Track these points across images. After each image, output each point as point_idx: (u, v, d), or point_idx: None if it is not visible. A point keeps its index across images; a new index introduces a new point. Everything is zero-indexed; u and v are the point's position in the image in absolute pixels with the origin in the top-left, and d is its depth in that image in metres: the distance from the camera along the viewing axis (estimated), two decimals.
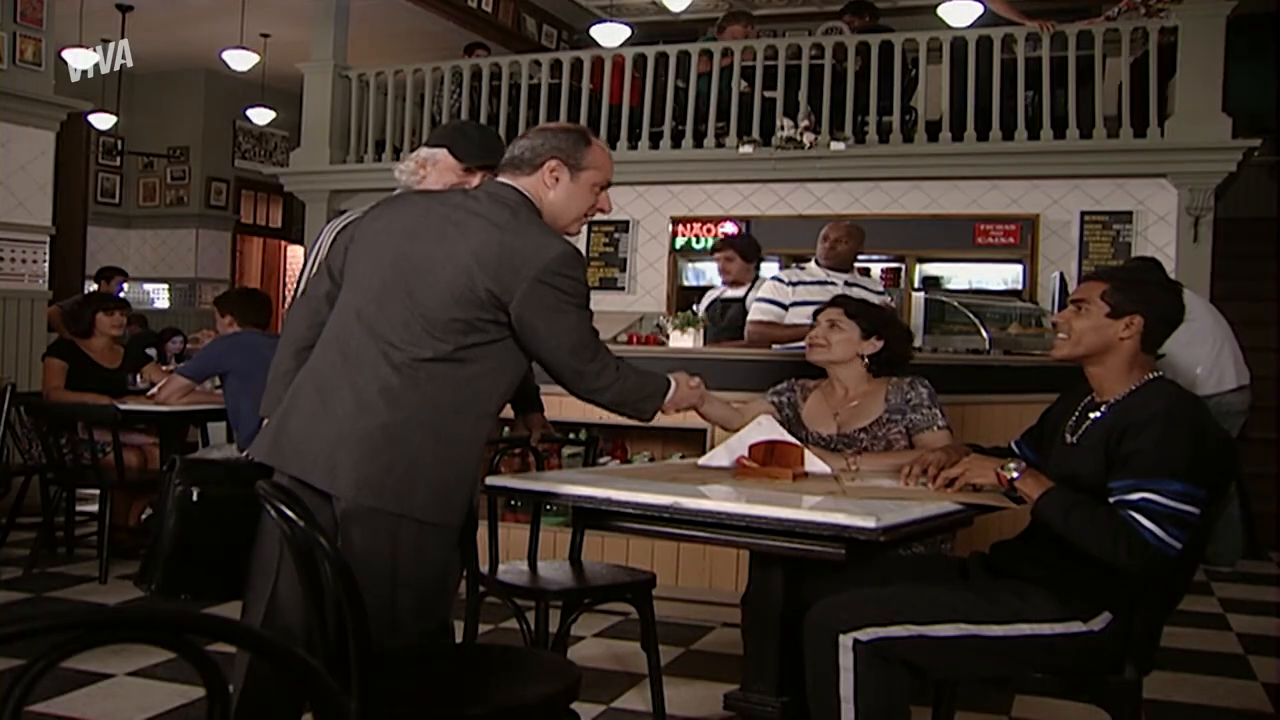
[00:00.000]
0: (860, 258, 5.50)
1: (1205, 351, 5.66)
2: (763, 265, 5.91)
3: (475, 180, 3.03)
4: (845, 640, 2.18)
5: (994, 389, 4.54)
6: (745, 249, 5.72)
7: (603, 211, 2.45)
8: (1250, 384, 5.81)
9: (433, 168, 3.02)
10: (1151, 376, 2.41)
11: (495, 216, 2.25)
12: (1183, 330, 5.64)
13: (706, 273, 8.63)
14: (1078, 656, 2.30)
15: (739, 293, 5.62)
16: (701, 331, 4.86)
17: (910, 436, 3.13)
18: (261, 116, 11.32)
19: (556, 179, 2.35)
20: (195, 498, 2.14)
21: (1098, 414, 2.41)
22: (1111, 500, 2.23)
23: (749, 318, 5.36)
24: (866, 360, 3.22)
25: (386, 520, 2.14)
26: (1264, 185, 9.57)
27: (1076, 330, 2.42)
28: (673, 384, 2.55)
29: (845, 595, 2.28)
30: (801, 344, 3.49)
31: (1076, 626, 2.28)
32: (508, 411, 3.13)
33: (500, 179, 2.38)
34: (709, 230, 8.24)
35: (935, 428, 3.11)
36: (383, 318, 2.22)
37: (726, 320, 5.50)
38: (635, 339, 6.03)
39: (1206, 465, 2.24)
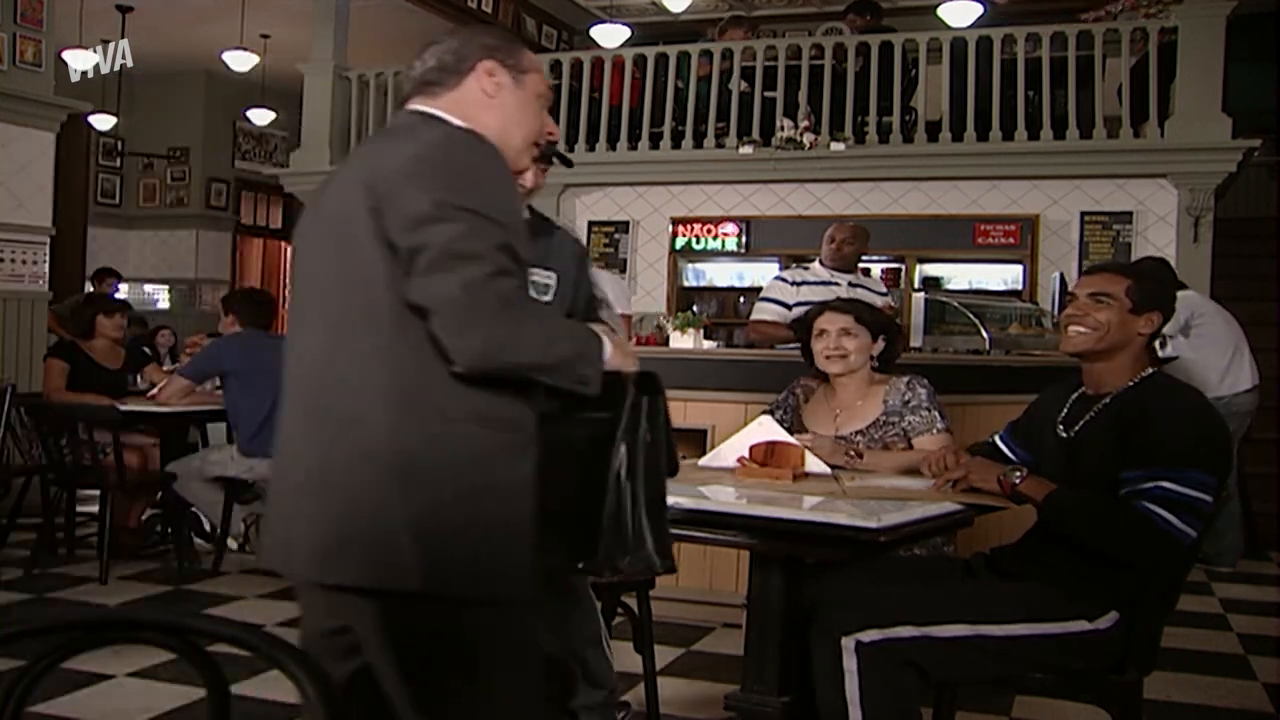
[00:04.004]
0: (861, 258, 5.50)
1: (1218, 353, 5.67)
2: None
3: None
4: (848, 643, 2.17)
5: (994, 389, 4.54)
6: None
7: (551, 139, 1.97)
8: (1259, 384, 5.81)
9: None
10: (1149, 372, 2.42)
11: None
12: (1194, 334, 5.67)
13: (707, 273, 8.64)
14: (1082, 656, 2.29)
15: None
16: (701, 331, 4.85)
17: (909, 439, 3.11)
18: (262, 117, 11.32)
19: (498, 85, 1.80)
20: None
21: (1097, 408, 2.41)
22: (1124, 491, 2.24)
23: (752, 317, 5.33)
24: (874, 361, 3.23)
25: None
26: (1264, 185, 9.57)
27: (1102, 324, 2.40)
28: None
29: (848, 597, 2.28)
30: None
31: (1082, 625, 2.27)
32: None
33: (412, 106, 1.82)
34: (709, 231, 8.24)
35: (934, 430, 3.09)
36: None
37: None
38: (636, 340, 6.02)
39: (1218, 455, 2.27)
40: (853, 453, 2.93)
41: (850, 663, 2.16)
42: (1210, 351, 5.66)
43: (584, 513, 1.70)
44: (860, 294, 4.79)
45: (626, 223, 8.49)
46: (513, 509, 1.63)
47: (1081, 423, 2.42)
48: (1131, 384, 2.40)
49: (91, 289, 9.10)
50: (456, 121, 1.74)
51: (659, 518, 1.74)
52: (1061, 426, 2.47)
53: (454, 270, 1.53)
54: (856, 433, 3.13)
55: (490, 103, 1.78)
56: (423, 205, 1.56)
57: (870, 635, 2.17)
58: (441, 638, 1.60)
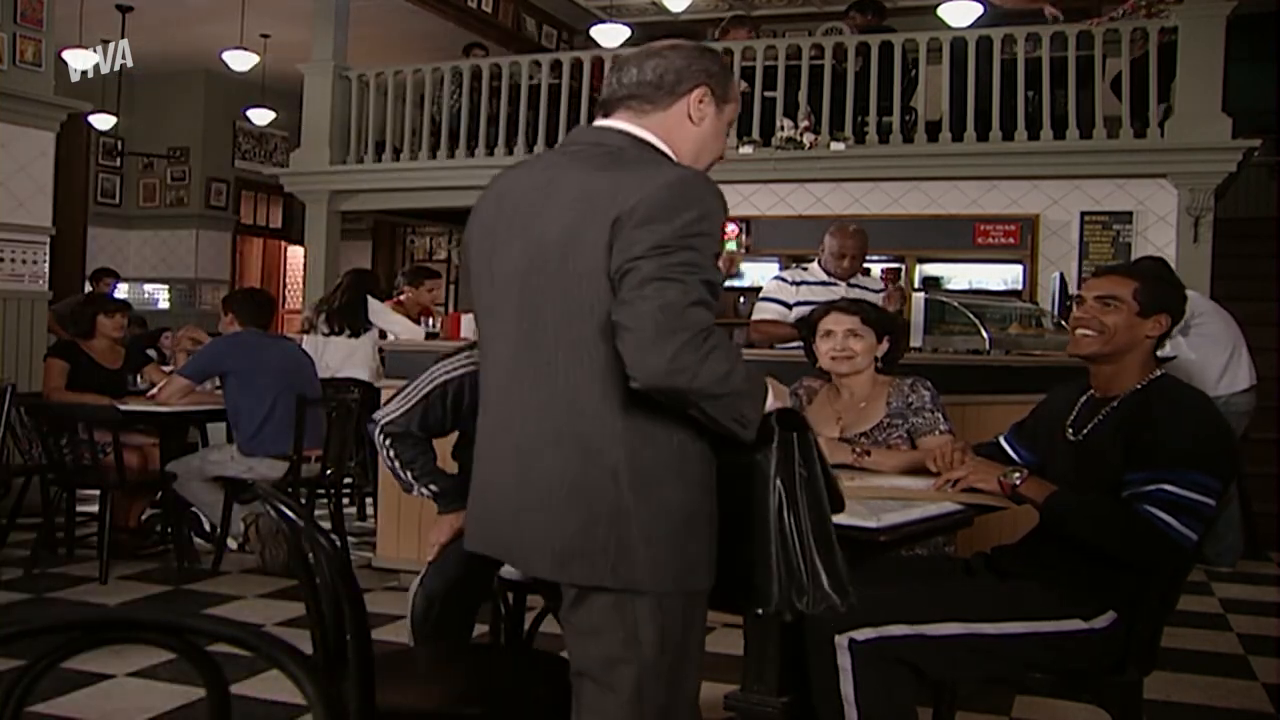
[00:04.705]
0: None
1: (1217, 353, 5.66)
2: None
3: None
4: (841, 640, 2.18)
5: (994, 389, 4.54)
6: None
7: (720, 160, 1.98)
8: (1257, 384, 5.81)
9: None
10: (1156, 374, 2.42)
11: None
12: (1193, 334, 5.68)
13: None
14: (1077, 655, 2.29)
15: None
16: None
17: (912, 440, 3.11)
18: (261, 117, 11.32)
19: (703, 113, 1.88)
20: None
21: (1106, 411, 2.41)
22: (1125, 493, 2.24)
23: (752, 317, 5.33)
24: (878, 362, 3.22)
25: None
26: (1264, 185, 9.57)
27: (1110, 327, 2.40)
28: None
29: None
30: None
31: (1076, 624, 2.27)
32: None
33: (621, 125, 1.87)
34: None
35: (937, 431, 3.10)
36: None
37: None
38: None
39: (1221, 458, 2.27)
40: (859, 450, 2.92)
41: (845, 660, 2.17)
42: (1209, 351, 5.65)
43: (747, 556, 1.77)
44: (859, 294, 4.79)
45: None
46: (707, 511, 1.78)
47: (1090, 425, 2.42)
48: (1140, 386, 2.40)
49: (91, 289, 9.10)
50: (668, 150, 1.84)
51: (829, 553, 1.76)
52: (1070, 429, 2.47)
53: (657, 292, 1.63)
54: (861, 434, 3.12)
55: (691, 128, 1.87)
56: (647, 245, 1.66)
57: (864, 634, 2.17)
58: (665, 624, 1.76)
